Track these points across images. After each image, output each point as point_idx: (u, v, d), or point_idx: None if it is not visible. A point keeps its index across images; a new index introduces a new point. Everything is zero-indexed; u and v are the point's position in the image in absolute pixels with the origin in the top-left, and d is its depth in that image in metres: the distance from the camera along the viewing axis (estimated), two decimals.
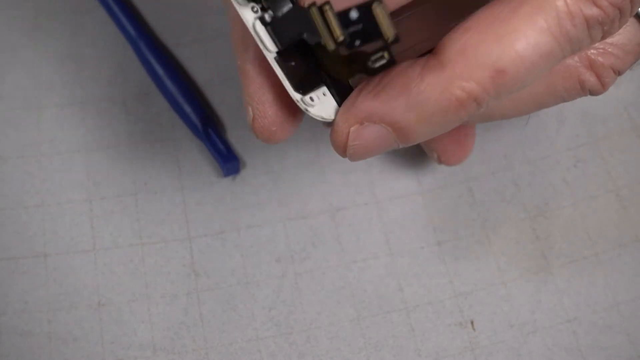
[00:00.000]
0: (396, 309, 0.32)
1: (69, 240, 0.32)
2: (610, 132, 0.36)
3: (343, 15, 0.21)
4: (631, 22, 0.24)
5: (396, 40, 0.21)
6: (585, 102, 0.36)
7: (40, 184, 0.33)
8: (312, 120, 0.24)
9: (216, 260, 0.32)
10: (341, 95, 0.24)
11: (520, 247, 0.33)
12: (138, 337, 0.31)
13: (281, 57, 0.23)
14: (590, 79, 0.25)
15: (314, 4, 0.21)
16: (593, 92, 0.26)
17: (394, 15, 0.24)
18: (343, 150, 0.23)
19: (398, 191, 0.34)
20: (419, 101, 0.21)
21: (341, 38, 0.21)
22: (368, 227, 0.33)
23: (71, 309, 0.31)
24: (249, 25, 0.22)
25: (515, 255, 0.33)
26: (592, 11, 0.21)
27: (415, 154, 0.35)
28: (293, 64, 0.23)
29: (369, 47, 0.22)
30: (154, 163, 0.34)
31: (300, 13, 0.21)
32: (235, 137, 0.35)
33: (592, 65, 0.25)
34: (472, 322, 0.31)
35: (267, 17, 0.22)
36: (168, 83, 0.35)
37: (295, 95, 0.23)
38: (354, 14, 0.21)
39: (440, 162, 0.32)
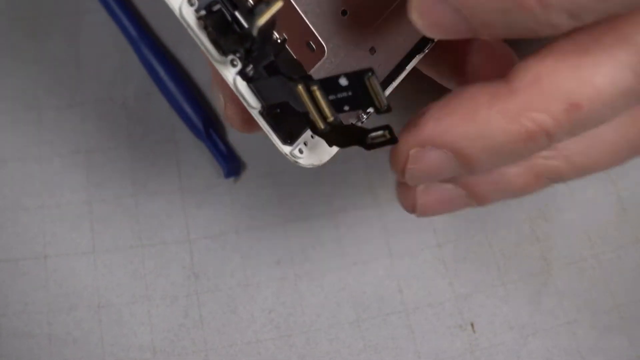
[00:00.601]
0: (396, 311, 0.32)
1: (69, 242, 0.32)
2: None
3: (331, 81, 0.19)
4: None
5: (388, 110, 0.19)
6: None
7: (40, 186, 0.33)
8: None
9: (216, 262, 0.32)
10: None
11: (520, 249, 0.33)
12: (138, 338, 0.31)
13: (266, 111, 0.21)
14: None
15: (299, 80, 0.19)
16: None
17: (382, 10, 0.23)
18: (402, 171, 0.22)
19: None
20: (485, 129, 0.20)
21: (331, 119, 0.19)
22: (368, 230, 0.33)
23: (71, 311, 0.31)
24: (229, 82, 0.21)
25: (515, 257, 0.33)
26: None
27: None
28: (278, 111, 0.22)
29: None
30: (154, 165, 0.34)
31: (284, 82, 0.20)
32: (236, 139, 0.35)
33: None
34: (472, 324, 0.31)
35: (249, 71, 0.20)
36: (169, 84, 0.35)
37: (284, 149, 0.22)
38: (343, 82, 0.19)
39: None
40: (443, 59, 0.26)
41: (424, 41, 0.24)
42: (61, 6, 0.38)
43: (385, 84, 0.24)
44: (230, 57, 0.20)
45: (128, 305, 0.31)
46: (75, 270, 0.32)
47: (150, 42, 0.36)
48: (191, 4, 0.20)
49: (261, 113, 0.21)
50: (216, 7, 0.20)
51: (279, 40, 0.22)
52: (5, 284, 0.31)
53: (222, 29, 0.20)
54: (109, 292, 0.31)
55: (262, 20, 0.18)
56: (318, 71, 0.23)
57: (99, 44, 0.37)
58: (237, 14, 0.20)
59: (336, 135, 0.21)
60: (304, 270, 0.32)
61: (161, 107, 0.35)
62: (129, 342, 0.30)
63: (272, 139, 0.22)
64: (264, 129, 0.22)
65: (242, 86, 0.21)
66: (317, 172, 0.34)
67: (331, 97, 0.19)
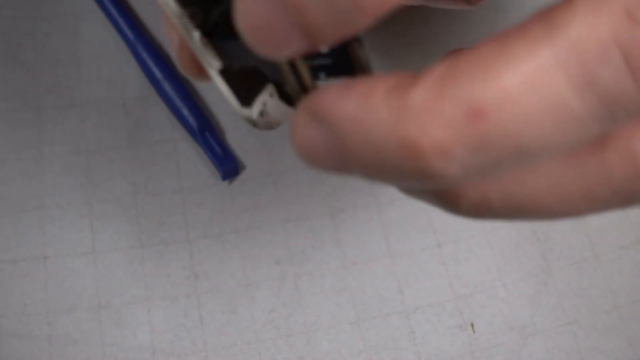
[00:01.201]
0: (396, 312, 0.32)
1: (69, 243, 0.32)
2: None
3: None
4: None
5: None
6: None
7: (40, 186, 0.33)
8: None
9: (216, 263, 0.32)
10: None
11: (520, 249, 0.33)
12: (138, 339, 0.31)
13: (226, 70, 0.19)
14: None
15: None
16: None
17: None
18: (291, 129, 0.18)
19: (398, 193, 0.34)
20: (370, 119, 0.15)
21: (311, 89, 0.17)
22: (368, 229, 0.33)
23: (71, 312, 0.31)
24: (191, 37, 0.18)
25: (516, 257, 0.33)
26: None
27: None
28: (237, 70, 0.19)
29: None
30: (154, 165, 0.34)
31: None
32: (234, 140, 0.35)
33: None
34: (472, 325, 0.31)
35: (211, 25, 0.18)
36: (166, 86, 0.35)
37: (243, 112, 0.20)
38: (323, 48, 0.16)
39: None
40: None
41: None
42: (61, 6, 0.38)
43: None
44: (190, 9, 0.18)
45: (128, 306, 0.31)
46: (75, 270, 0.32)
47: (148, 45, 0.36)
48: None
49: (221, 72, 0.19)
50: None
51: None
52: (4, 284, 0.31)
53: None
54: (109, 293, 0.31)
55: None
56: None
57: (99, 44, 0.37)
58: None
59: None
60: (304, 270, 0.32)
61: (161, 107, 0.35)
62: (128, 342, 0.30)
63: (229, 99, 0.20)
64: (220, 89, 0.20)
65: (202, 43, 0.18)
66: (316, 171, 0.34)
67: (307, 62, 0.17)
